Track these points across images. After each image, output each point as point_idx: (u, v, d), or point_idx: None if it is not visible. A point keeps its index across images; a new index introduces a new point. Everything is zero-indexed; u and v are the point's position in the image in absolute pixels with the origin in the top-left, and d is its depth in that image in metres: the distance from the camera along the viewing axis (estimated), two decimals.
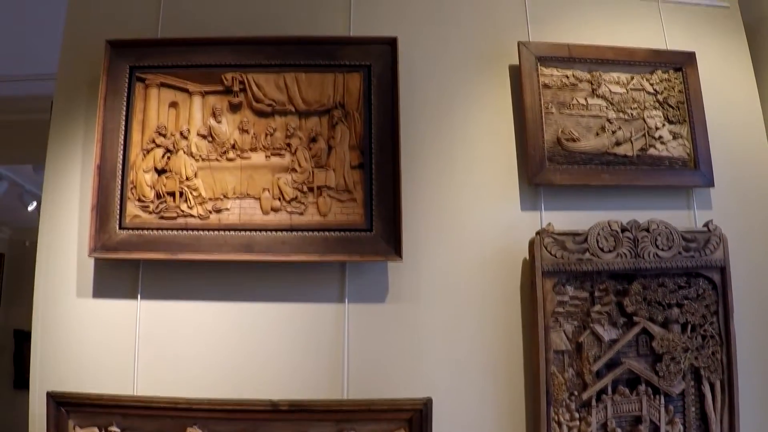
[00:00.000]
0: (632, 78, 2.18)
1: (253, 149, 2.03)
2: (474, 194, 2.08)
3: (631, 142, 2.12)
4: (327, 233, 1.95)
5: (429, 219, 2.05)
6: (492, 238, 2.05)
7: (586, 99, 2.14)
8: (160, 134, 2.03)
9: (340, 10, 2.20)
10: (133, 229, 1.97)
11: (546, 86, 2.12)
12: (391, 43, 2.05)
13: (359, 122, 2.02)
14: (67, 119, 2.13)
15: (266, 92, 2.05)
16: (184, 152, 2.02)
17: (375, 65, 2.05)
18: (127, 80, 2.05)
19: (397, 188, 1.95)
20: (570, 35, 2.20)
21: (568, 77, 2.14)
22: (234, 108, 2.06)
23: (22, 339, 6.69)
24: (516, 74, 2.14)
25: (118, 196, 1.98)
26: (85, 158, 2.08)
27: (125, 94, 2.04)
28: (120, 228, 1.97)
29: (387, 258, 1.93)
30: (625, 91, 2.16)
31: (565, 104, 2.12)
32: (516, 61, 2.14)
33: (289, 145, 2.02)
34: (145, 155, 2.02)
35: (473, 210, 2.07)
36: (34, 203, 5.43)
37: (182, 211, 1.98)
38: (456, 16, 2.23)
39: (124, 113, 2.03)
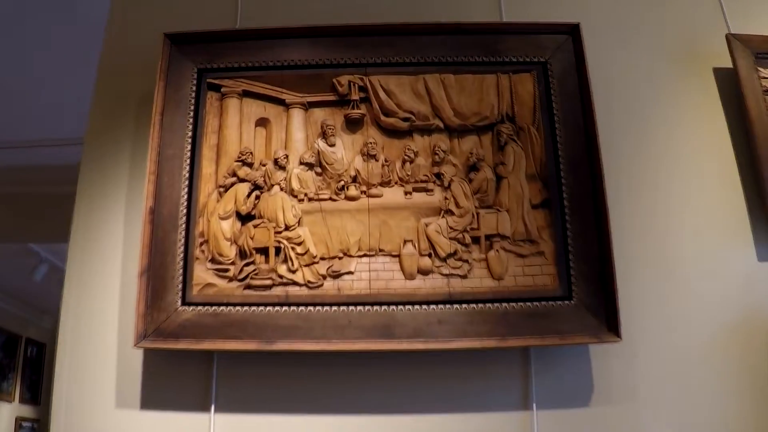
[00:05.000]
0: None
1: (386, 183, 1.41)
2: (697, 240, 1.47)
3: None
4: (506, 305, 1.31)
5: (642, 277, 1.42)
6: (727, 303, 1.43)
7: None
8: (244, 163, 1.43)
9: None
10: (203, 304, 1.36)
11: (767, 91, 1.57)
12: (571, 32, 1.48)
13: (538, 141, 1.41)
14: (106, 146, 1.52)
15: (400, 101, 1.45)
16: (281, 189, 1.41)
17: (553, 62, 1.46)
18: (194, 88, 1.48)
19: (605, 233, 1.33)
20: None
21: None
22: (353, 124, 1.46)
23: None
24: (727, 77, 1.59)
25: (181, 255, 1.38)
26: (131, 200, 1.45)
27: (191, 108, 1.47)
28: (183, 303, 1.36)
29: (600, 339, 1.29)
30: None
31: None
32: (719, 63, 1.60)
33: (439, 175, 1.40)
34: (221, 194, 1.41)
35: (698, 262, 1.45)
36: None
37: (280, 276, 1.36)
38: (636, 4, 1.68)
39: (189, 135, 1.45)
